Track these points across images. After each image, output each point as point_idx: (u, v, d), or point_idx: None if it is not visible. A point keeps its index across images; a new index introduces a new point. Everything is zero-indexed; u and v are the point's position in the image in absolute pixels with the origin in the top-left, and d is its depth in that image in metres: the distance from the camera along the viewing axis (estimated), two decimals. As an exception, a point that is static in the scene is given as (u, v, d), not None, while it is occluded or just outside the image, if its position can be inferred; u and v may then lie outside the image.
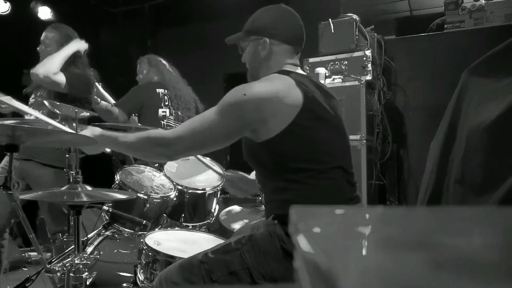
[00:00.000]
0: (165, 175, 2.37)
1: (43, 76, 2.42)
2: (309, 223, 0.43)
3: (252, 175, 1.72)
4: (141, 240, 1.91)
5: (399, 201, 3.38)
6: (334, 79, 3.16)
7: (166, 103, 3.16)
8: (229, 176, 1.90)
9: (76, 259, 1.54)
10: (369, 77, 3.04)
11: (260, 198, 1.93)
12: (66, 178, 1.69)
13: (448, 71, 2.97)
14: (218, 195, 2.42)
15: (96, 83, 2.98)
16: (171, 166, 2.48)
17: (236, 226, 2.16)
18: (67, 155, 1.75)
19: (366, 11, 3.62)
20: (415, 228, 0.44)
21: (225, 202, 2.88)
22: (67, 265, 1.55)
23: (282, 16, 1.50)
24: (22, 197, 1.50)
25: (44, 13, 4.48)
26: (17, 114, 2.39)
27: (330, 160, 1.38)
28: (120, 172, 2.20)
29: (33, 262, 3.11)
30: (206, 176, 2.47)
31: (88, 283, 1.59)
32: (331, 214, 0.52)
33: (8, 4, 4.16)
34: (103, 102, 3.09)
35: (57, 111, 2.05)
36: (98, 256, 1.97)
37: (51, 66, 2.44)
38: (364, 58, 3.06)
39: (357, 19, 3.12)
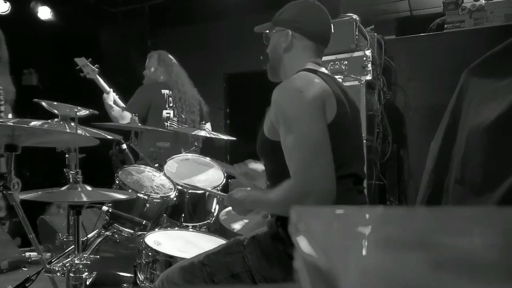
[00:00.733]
0: (165, 175, 2.37)
1: None
2: (309, 223, 0.43)
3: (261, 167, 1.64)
4: (141, 240, 1.91)
5: (399, 201, 3.38)
6: (334, 79, 3.16)
7: (171, 105, 3.14)
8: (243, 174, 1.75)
9: (76, 259, 1.54)
10: (369, 77, 3.04)
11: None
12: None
13: (448, 71, 2.96)
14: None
15: (110, 89, 2.99)
16: (171, 166, 2.48)
17: (236, 226, 2.16)
18: (66, 155, 1.75)
19: (366, 11, 3.61)
20: (415, 228, 0.44)
21: (225, 202, 2.88)
22: (67, 265, 1.55)
23: (309, 11, 1.47)
24: (22, 197, 1.50)
25: (44, 13, 4.47)
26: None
27: (343, 169, 1.31)
28: (120, 172, 2.20)
29: (33, 262, 3.11)
30: (206, 176, 2.47)
31: (88, 283, 1.59)
32: (331, 214, 0.52)
33: (8, 4, 4.15)
34: (115, 107, 3.07)
35: (55, 111, 2.03)
36: (98, 256, 1.97)
37: None
38: (364, 58, 3.06)
39: (357, 19, 3.11)
